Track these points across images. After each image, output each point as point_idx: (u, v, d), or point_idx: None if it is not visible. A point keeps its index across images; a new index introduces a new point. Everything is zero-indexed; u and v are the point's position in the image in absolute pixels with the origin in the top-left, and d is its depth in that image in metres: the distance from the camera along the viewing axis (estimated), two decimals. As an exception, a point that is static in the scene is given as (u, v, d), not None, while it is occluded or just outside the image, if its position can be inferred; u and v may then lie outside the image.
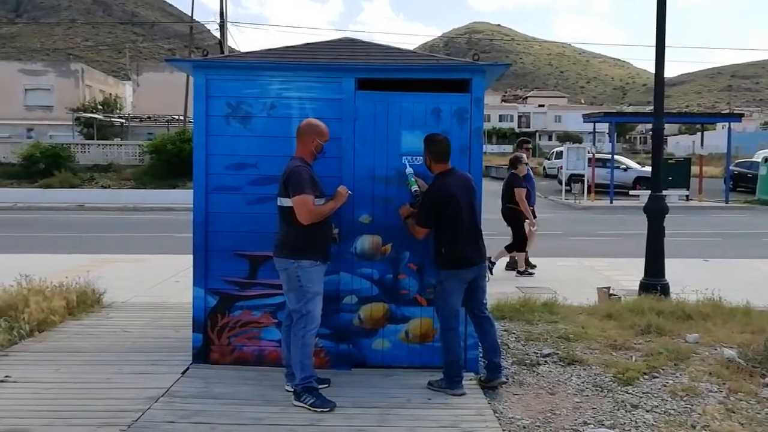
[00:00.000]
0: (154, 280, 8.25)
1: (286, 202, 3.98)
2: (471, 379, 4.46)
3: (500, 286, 7.99)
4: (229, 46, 25.91)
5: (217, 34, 28.28)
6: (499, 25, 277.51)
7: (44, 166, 25.04)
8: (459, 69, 4.68)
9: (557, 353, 5.00)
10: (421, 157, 4.50)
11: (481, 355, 4.54)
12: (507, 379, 4.46)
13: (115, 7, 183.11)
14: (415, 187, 4.34)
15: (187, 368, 4.59)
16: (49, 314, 5.61)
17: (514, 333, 5.62)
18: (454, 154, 4.58)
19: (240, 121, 4.61)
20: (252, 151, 4.61)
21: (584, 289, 7.82)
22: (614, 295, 6.94)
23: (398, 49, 5.14)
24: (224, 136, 4.61)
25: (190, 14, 33.97)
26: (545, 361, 4.86)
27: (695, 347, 5.11)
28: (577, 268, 9.58)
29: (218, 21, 26.71)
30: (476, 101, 4.59)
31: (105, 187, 24.26)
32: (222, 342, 4.68)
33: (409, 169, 4.43)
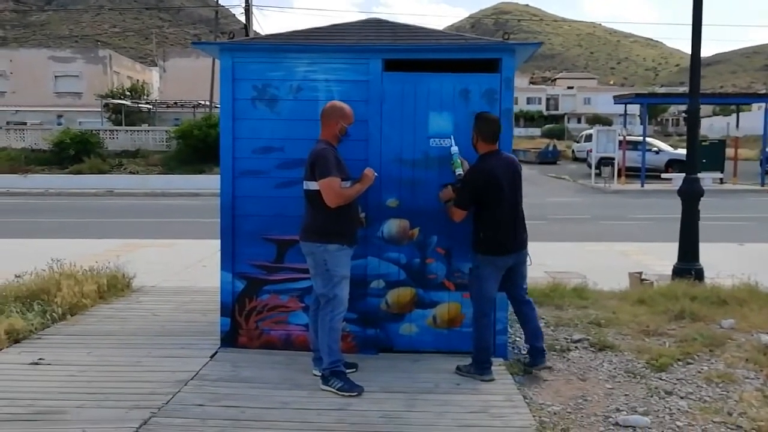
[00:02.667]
0: (182, 265, 8.33)
1: (312, 185, 3.94)
2: (500, 365, 4.40)
3: (528, 271, 7.87)
4: (255, 31, 25.91)
5: (242, 19, 28.31)
6: (527, 5, 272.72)
7: (74, 152, 25.49)
8: (488, 48, 4.57)
9: (588, 339, 4.91)
10: (449, 140, 4.42)
11: (510, 340, 4.48)
12: (551, 365, 4.36)
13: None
14: (459, 170, 4.21)
15: (216, 352, 4.62)
16: (80, 298, 5.69)
17: (543, 318, 5.52)
18: (483, 136, 4.50)
19: (266, 104, 4.57)
20: (278, 135, 4.58)
21: (615, 274, 7.66)
22: (646, 280, 6.79)
23: (425, 29, 5.04)
24: (251, 119, 4.58)
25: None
26: (576, 347, 4.78)
27: (731, 333, 4.98)
28: (607, 252, 9.41)
29: (243, 5, 26.70)
30: (506, 81, 4.48)
31: (133, 173, 24.62)
32: (250, 326, 4.69)
33: (454, 148, 4.28)
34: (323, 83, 4.54)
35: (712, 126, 58.41)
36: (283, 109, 4.57)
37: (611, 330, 5.13)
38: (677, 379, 4.14)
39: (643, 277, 6.91)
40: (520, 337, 5.03)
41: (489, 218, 4.09)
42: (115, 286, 6.40)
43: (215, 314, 4.95)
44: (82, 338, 4.97)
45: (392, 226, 4.58)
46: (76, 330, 5.19)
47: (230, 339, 4.70)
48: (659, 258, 8.58)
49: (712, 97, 24.30)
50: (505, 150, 4.48)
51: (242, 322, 4.69)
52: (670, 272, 7.07)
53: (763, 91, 64.02)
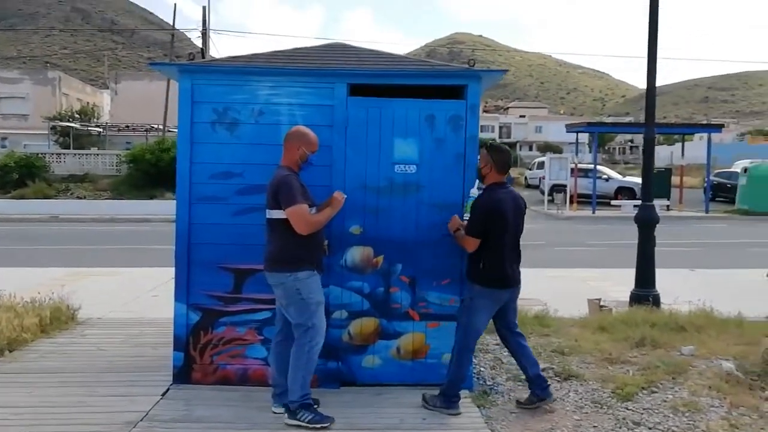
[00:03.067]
0: (131, 295, 7.97)
1: (276, 213, 3.79)
2: (466, 397, 4.27)
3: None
4: (211, 55, 25.60)
5: (198, 43, 27.97)
6: (480, 35, 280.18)
7: (18, 176, 24.46)
8: (454, 75, 4.54)
9: (552, 368, 4.85)
10: (412, 166, 4.36)
11: (475, 371, 4.37)
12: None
13: (94, 15, 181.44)
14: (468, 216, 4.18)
15: (168, 389, 4.35)
16: (20, 332, 5.32)
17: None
18: (449, 162, 4.46)
19: (227, 128, 4.41)
20: (239, 160, 4.42)
21: (574, 300, 7.69)
22: (605, 306, 6.83)
23: (390, 54, 5.00)
24: (210, 143, 4.41)
25: (169, 22, 33.62)
26: (541, 377, 4.70)
27: (691, 360, 5.00)
28: (566, 279, 9.48)
29: (200, 29, 26.42)
30: (471, 108, 4.45)
31: (80, 198, 23.75)
32: (204, 361, 4.45)
33: (474, 191, 4.25)
34: (286, 107, 4.42)
35: (657, 155, 60.70)
36: (244, 134, 4.42)
37: (575, 358, 5.09)
38: (644, 409, 4.10)
39: (602, 303, 6.96)
40: (483, 368, 4.94)
41: (492, 250, 3.99)
42: (58, 319, 6.03)
43: (166, 347, 4.69)
44: (22, 376, 4.62)
45: (355, 254, 4.45)
46: (15, 367, 4.83)
47: (183, 375, 4.44)
48: (616, 284, 8.68)
49: (660, 127, 25.11)
50: (472, 176, 4.44)
51: (196, 356, 4.45)
52: (628, 298, 7.14)
53: (705, 122, 66.97)
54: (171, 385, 4.41)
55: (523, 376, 4.63)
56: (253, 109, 4.40)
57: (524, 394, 4.37)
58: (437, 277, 4.47)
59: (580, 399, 4.28)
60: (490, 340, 5.67)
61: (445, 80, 4.52)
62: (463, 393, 4.32)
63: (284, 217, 3.75)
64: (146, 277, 9.06)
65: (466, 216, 4.18)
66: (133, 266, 10.40)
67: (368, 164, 4.43)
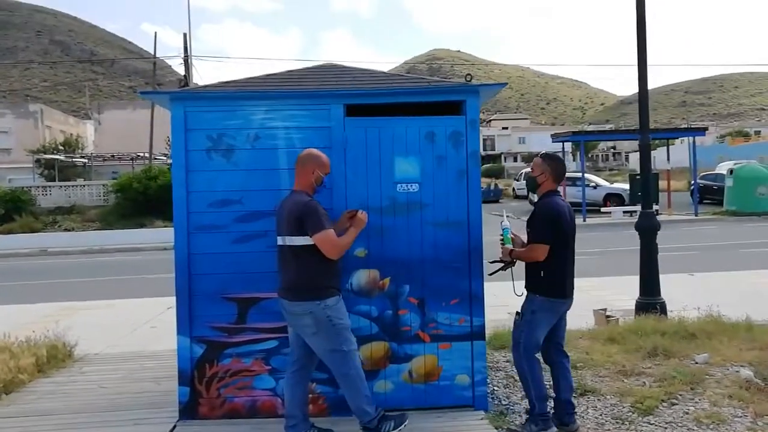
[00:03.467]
0: (128, 327, 7.78)
1: (299, 240, 3.68)
2: (482, 418, 4.17)
3: (490, 313, 7.72)
4: (195, 82, 25.56)
5: (178, 70, 27.94)
6: (458, 50, 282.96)
7: (4, 211, 24.12)
8: (452, 90, 4.48)
9: (567, 383, 4.74)
10: (414, 184, 4.28)
11: (488, 390, 4.26)
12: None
13: (74, 47, 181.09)
14: (509, 245, 4.10)
15: (174, 426, 4.20)
16: (16, 374, 5.14)
17: (517, 364, 5.35)
18: (451, 179, 4.38)
19: (222, 155, 4.31)
20: (236, 186, 4.31)
21: (578, 311, 7.59)
22: (612, 316, 6.76)
23: (384, 72, 4.94)
24: (206, 171, 4.30)
25: (150, 51, 33.58)
26: (557, 393, 4.59)
27: (707, 368, 4.92)
28: (565, 289, 9.39)
29: (182, 56, 26.39)
30: (471, 123, 4.39)
31: (68, 230, 23.44)
32: (211, 394, 4.31)
33: (505, 223, 4.18)
34: (282, 131, 4.33)
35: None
36: (240, 160, 4.32)
37: (588, 372, 5.00)
38: (667, 423, 4.01)
39: (608, 313, 6.89)
40: (497, 387, 4.83)
41: (556, 258, 3.89)
42: (55, 357, 5.84)
43: (170, 381, 4.54)
44: (20, 420, 4.44)
45: (361, 277, 4.35)
46: (12, 411, 4.65)
47: (190, 410, 4.29)
48: (618, 293, 8.62)
49: (657, 132, 25.33)
50: (475, 193, 4.38)
51: (203, 390, 4.30)
52: (632, 307, 7.07)
53: (684, 126, 67.77)
54: (177, 421, 4.26)
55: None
56: (248, 135, 4.31)
57: (541, 412, 4.25)
58: (446, 297, 4.37)
59: (600, 415, 4.18)
60: (499, 357, 5.57)
61: (442, 96, 4.46)
62: (479, 414, 4.22)
63: (309, 243, 3.65)
64: (142, 308, 8.87)
65: (507, 246, 4.09)
66: (128, 297, 10.19)
67: (369, 185, 4.35)
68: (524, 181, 26.88)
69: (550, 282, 3.89)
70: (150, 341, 6.87)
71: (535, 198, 4.25)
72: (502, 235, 4.17)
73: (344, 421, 4.16)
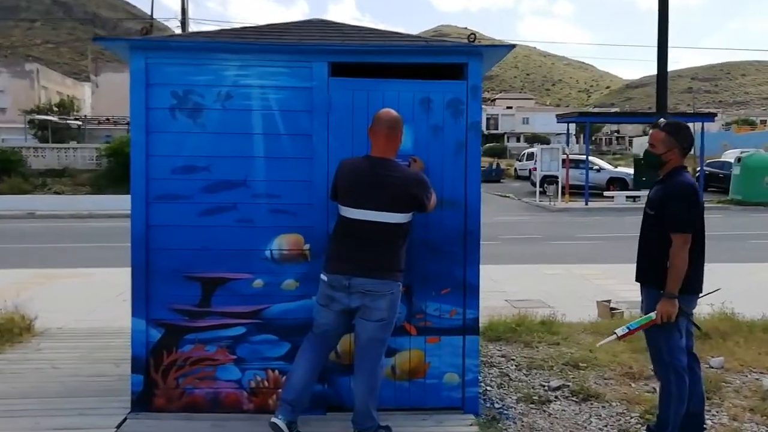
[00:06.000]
0: (100, 299, 7.32)
1: (401, 218, 3.36)
2: (471, 423, 3.70)
3: (487, 299, 7.27)
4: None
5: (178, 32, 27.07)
6: (466, 28, 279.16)
7: (-7, 171, 23.59)
8: (452, 51, 3.92)
9: (568, 385, 4.29)
10: (405, 157, 3.75)
11: (480, 391, 3.79)
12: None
13: (76, 8, 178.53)
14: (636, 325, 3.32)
15: (125, 419, 3.73)
16: (-40, 349, 4.68)
17: (513, 359, 4.89)
18: (447, 152, 3.86)
19: (188, 115, 3.77)
20: (204, 152, 3.78)
21: (580, 301, 7.19)
22: (616, 309, 6.30)
23: (377, 30, 4.38)
24: (169, 132, 3.76)
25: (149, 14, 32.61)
26: (556, 397, 4.13)
27: (723, 374, 4.46)
28: (566, 276, 8.94)
29: (179, 18, 25.56)
30: (473, 90, 3.84)
31: (59, 193, 22.92)
32: (168, 384, 3.83)
33: (653, 314, 3.27)
34: (258, 90, 3.78)
35: (643, 145, 60.59)
36: (209, 121, 3.78)
37: (592, 373, 4.53)
38: (680, 438, 3.54)
39: (612, 305, 6.42)
40: (490, 387, 4.36)
41: (696, 247, 3.25)
42: (10, 331, 5.37)
43: (130, 365, 4.06)
44: (-46, 404, 3.98)
45: (342, 259, 3.84)
46: (-50, 392, 4.19)
47: (144, 401, 3.82)
48: (622, 281, 8.13)
49: (654, 116, 24.62)
50: (474, 169, 3.87)
51: (159, 379, 3.83)
52: (638, 297, 6.58)
53: (691, 112, 66.78)
54: (129, 413, 3.79)
55: (536, 397, 4.08)
56: (219, 93, 3.76)
57: (540, 420, 3.80)
58: (436, 285, 3.87)
59: (605, 426, 3.71)
60: (494, 350, 5.11)
61: (441, 58, 3.90)
62: (468, 419, 3.76)
63: (408, 221, 3.41)
64: (118, 278, 8.29)
65: (632, 325, 3.34)
66: (108, 266, 9.70)
67: (355, 155, 3.81)
68: (525, 162, 26.29)
69: (689, 276, 3.21)
70: (119, 316, 6.35)
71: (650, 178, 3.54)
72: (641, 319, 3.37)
73: (316, 420, 3.71)
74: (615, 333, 3.40)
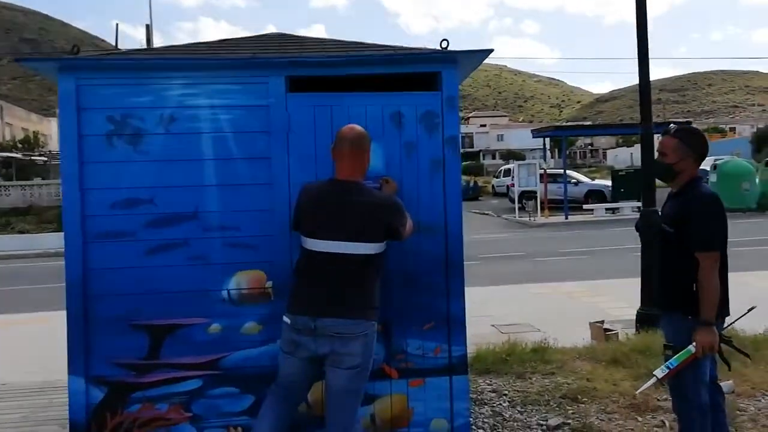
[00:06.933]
0: (55, 348, 6.70)
1: (375, 248, 2.91)
2: (464, 476, 3.26)
3: (472, 326, 6.85)
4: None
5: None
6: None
7: (-46, 211, 22.70)
8: (424, 59, 3.54)
9: (568, 423, 3.86)
10: (376, 178, 3.35)
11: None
12: None
13: (43, 45, 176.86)
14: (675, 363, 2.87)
15: (63, 496, 3.22)
16: None
17: (506, 394, 4.46)
18: (423, 171, 3.47)
19: (128, 141, 3.33)
20: (147, 182, 3.33)
21: (570, 322, 6.80)
22: (611, 330, 5.92)
23: (340, 41, 4.00)
24: (106, 162, 3.31)
25: (121, 49, 32.10)
26: (557, 438, 3.71)
27: (735, 400, 4.08)
28: (553, 295, 8.57)
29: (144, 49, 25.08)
30: (449, 101, 3.47)
31: (23, 233, 22.09)
32: (115, 451, 3.33)
33: (692, 347, 2.85)
34: (207, 110, 3.36)
35: (617, 157, 61.22)
36: (151, 147, 3.34)
37: (593, 406, 4.12)
38: (700, 483, 3.13)
39: (606, 326, 6.05)
40: (482, 428, 3.92)
41: (720, 267, 2.87)
42: (-53, 391, 4.81)
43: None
44: None
45: (310, 296, 3.40)
46: None
47: (87, 473, 3.31)
48: (613, 299, 7.81)
49: (632, 127, 24.63)
50: (454, 188, 3.49)
51: (103, 446, 3.33)
52: (632, 317, 6.25)
53: (662, 122, 67.89)
54: (70, 488, 3.27)
55: (535, 439, 3.64)
56: (161, 116, 3.33)
57: (539, 466, 3.36)
58: (417, 320, 3.45)
59: (615, 472, 3.29)
60: (483, 386, 4.67)
61: (412, 67, 3.52)
62: (461, 471, 3.31)
63: (382, 251, 2.95)
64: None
65: (672, 363, 2.88)
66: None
67: (320, 179, 3.40)
68: (503, 178, 26.04)
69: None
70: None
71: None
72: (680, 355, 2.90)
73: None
74: (655, 376, 2.97)
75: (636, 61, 6.21)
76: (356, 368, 2.87)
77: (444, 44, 3.53)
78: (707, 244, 2.86)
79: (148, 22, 24.05)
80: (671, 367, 2.89)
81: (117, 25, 25.81)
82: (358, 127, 3.02)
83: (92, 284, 3.30)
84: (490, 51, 3.44)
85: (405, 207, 3.13)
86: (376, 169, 3.40)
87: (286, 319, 2.95)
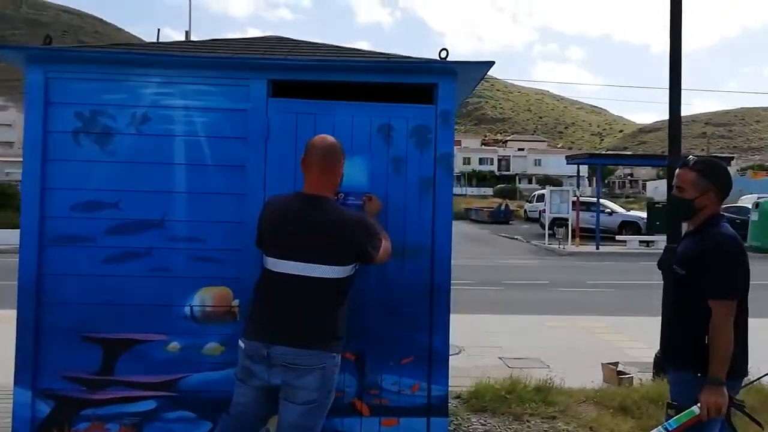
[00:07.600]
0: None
1: (342, 272, 2.62)
2: None
3: (479, 357, 6.50)
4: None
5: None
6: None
7: (-13, 204, 23.22)
8: (420, 69, 3.26)
9: (562, 479, 3.48)
10: (360, 195, 3.06)
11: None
12: None
13: (84, 36, 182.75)
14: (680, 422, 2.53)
15: None
16: None
17: (498, 438, 4.09)
18: (412, 190, 3.18)
19: (96, 140, 3.12)
20: (113, 184, 3.12)
21: (583, 360, 6.36)
22: (624, 373, 5.48)
23: (335, 46, 3.75)
24: (71, 161, 3.11)
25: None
26: (546, 496, 3.33)
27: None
28: (570, 330, 8.10)
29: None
30: (443, 116, 3.18)
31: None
32: (58, 472, 3.09)
33: (696, 408, 2.51)
34: (181, 112, 3.14)
35: (657, 189, 59.84)
36: (120, 148, 3.13)
37: (592, 461, 3.72)
38: None
39: (620, 368, 5.61)
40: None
41: (737, 320, 2.52)
42: None
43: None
44: None
45: (279, 319, 3.12)
46: None
47: (27, 493, 3.07)
48: (632, 338, 7.33)
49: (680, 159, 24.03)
50: (444, 210, 3.18)
51: (47, 466, 3.09)
52: (650, 359, 5.80)
53: (705, 155, 66.20)
54: None
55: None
56: (134, 114, 3.12)
57: None
58: (394, 353, 3.13)
59: None
60: (476, 425, 4.30)
61: (405, 77, 3.24)
62: None
63: (350, 275, 2.66)
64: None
65: (670, 425, 2.55)
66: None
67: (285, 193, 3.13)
68: (536, 203, 25.55)
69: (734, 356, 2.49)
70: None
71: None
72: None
73: None
74: None
75: (682, 92, 5.79)
76: (311, 404, 2.57)
77: (443, 54, 3.24)
78: (722, 291, 2.50)
79: (197, 30, 24.37)
80: (669, 429, 2.51)
81: (159, 30, 26.23)
82: (330, 138, 2.74)
83: (46, 290, 3.09)
84: (492, 63, 3.14)
85: (386, 227, 2.84)
86: (360, 185, 3.13)
87: (240, 343, 2.68)
